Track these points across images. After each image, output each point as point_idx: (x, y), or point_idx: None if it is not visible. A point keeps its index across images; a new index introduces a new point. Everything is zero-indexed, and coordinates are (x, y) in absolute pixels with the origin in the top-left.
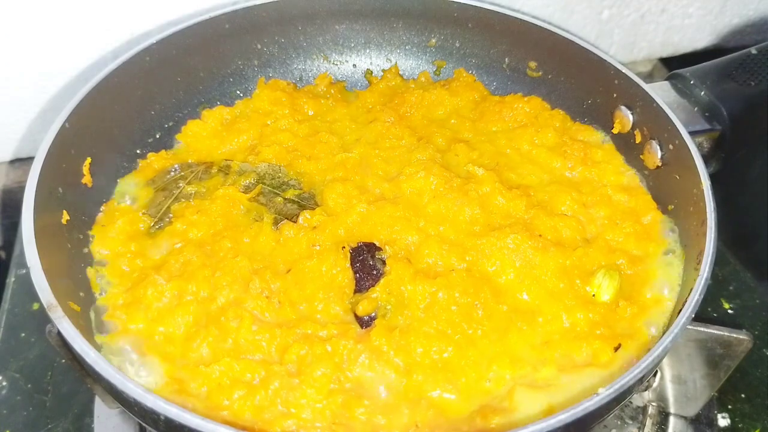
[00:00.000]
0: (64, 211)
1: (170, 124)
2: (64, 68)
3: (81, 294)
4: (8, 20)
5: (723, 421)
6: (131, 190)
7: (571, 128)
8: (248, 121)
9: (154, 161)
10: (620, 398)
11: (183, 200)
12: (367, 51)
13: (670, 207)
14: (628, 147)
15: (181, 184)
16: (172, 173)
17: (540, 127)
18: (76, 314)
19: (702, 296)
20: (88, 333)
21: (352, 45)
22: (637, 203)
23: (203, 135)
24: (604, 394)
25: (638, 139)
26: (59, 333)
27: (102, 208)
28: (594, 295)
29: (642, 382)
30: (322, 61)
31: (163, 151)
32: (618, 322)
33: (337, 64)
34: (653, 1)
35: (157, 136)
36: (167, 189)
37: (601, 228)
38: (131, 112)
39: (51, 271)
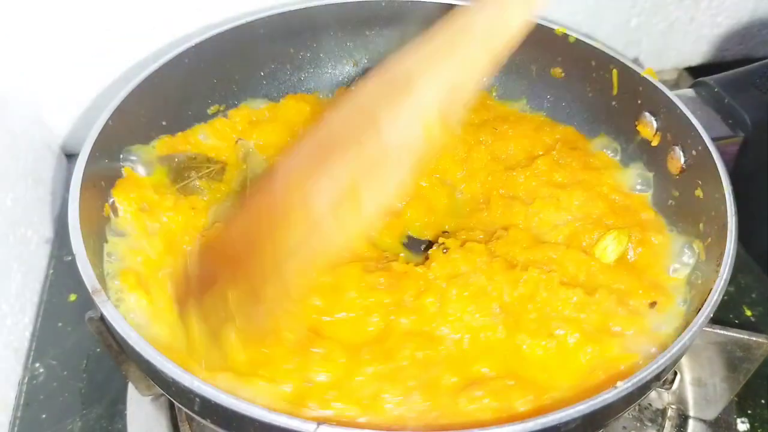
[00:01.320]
0: (106, 204)
1: (204, 124)
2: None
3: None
4: (59, 28)
5: (742, 425)
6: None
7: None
8: (276, 124)
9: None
10: (638, 394)
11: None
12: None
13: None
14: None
15: (193, 175)
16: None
17: None
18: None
19: (721, 296)
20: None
21: (381, 50)
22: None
23: (226, 134)
24: (622, 387)
25: (655, 142)
26: (101, 317)
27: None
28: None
29: (659, 379)
30: (351, 66)
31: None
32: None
33: (365, 70)
34: (682, 10)
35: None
36: (179, 174)
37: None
38: (168, 111)
39: (94, 260)
